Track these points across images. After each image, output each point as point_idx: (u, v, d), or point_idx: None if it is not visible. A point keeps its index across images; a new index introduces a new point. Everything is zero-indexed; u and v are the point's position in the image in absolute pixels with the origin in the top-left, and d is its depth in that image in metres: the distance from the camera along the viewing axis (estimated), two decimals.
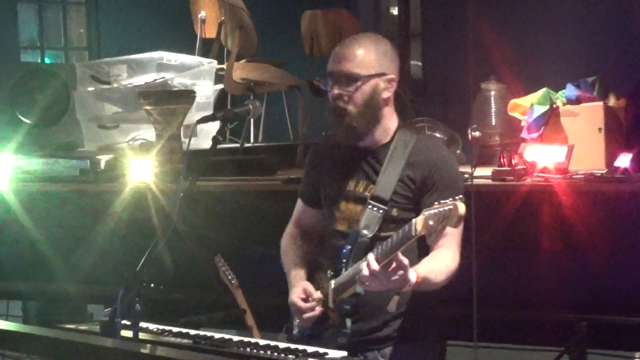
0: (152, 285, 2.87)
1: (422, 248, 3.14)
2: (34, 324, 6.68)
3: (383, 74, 3.17)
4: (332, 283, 3.17)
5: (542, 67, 7.10)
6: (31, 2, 9.49)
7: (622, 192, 4.37)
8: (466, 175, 4.69)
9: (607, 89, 5.28)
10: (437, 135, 5.63)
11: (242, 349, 2.92)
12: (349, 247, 3.17)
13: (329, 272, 3.22)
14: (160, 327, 3.22)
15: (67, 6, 9.66)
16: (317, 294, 3.20)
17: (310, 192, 3.43)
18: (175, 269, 4.78)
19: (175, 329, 3.18)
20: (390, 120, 3.25)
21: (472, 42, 3.81)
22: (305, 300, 3.21)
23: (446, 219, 2.75)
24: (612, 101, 5.24)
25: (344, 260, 3.17)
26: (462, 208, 2.74)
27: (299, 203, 3.49)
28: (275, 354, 2.86)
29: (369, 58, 3.15)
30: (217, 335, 3.06)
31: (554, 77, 5.58)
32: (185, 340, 3.05)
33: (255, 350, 2.89)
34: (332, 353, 2.85)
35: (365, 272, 2.90)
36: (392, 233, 3.00)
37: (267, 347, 2.92)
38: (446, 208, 2.74)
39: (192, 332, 3.15)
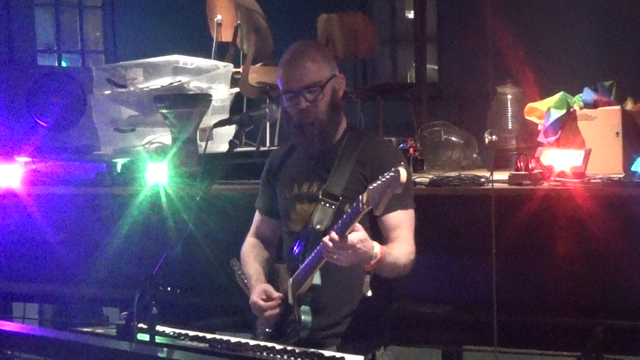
0: (168, 288, 2.88)
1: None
2: (50, 326, 6.70)
3: (334, 75, 3.30)
4: (290, 280, 3.24)
5: (559, 71, 7.07)
6: (48, 6, 9.54)
7: None
8: (483, 180, 4.71)
9: (624, 93, 5.25)
10: (454, 139, 5.62)
11: (258, 353, 2.92)
12: (303, 243, 3.26)
13: (286, 272, 3.31)
14: (177, 330, 3.22)
15: (84, 10, 9.71)
16: (277, 294, 3.28)
17: (267, 203, 3.55)
18: (191, 273, 4.80)
19: (191, 333, 3.19)
20: (343, 120, 3.38)
21: (490, 45, 3.81)
22: (266, 300, 3.28)
23: (389, 186, 2.80)
24: (629, 105, 5.20)
25: (299, 257, 3.25)
26: (403, 172, 2.79)
27: (257, 215, 3.61)
28: (292, 358, 2.86)
29: (319, 65, 3.26)
30: (233, 339, 3.06)
31: (571, 81, 5.55)
32: (202, 344, 3.05)
33: (271, 355, 2.89)
34: (349, 357, 2.85)
35: (329, 244, 2.93)
36: None
37: (284, 351, 2.92)
38: (388, 176, 2.81)
39: (209, 335, 3.16)
